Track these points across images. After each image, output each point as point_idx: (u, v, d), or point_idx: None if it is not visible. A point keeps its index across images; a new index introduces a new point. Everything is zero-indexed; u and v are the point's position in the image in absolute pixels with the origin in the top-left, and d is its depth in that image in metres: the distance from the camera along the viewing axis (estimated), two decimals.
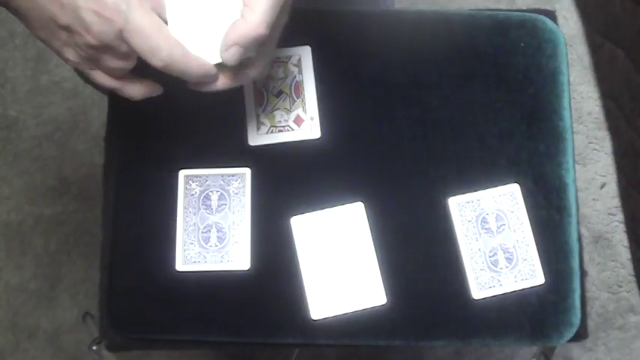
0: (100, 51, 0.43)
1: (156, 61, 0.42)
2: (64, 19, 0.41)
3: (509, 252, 0.57)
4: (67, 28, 0.42)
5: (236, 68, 0.45)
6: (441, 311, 0.57)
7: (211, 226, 0.58)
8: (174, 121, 0.60)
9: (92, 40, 0.42)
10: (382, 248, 0.57)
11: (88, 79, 0.48)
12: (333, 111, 0.60)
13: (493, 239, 0.57)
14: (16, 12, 0.44)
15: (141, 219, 0.59)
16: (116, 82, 0.47)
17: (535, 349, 0.76)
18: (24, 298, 1.19)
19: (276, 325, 0.57)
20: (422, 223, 0.59)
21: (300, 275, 0.57)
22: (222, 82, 0.46)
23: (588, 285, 1.16)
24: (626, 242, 1.18)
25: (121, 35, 0.41)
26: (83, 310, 1.16)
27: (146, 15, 0.41)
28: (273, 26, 0.43)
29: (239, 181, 0.59)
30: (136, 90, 0.48)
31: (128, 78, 0.47)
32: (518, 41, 0.62)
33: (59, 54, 0.45)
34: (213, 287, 0.57)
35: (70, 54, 0.44)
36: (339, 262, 0.57)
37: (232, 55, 0.43)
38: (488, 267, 0.57)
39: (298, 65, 0.60)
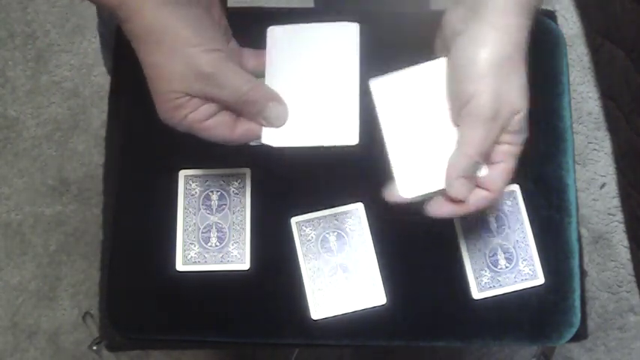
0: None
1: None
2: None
3: (509, 252, 0.57)
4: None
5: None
6: (441, 311, 0.57)
7: (211, 226, 0.58)
8: None
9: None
10: (382, 248, 0.57)
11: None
12: None
13: (493, 239, 0.57)
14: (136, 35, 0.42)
15: (141, 219, 0.58)
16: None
17: (535, 349, 0.76)
18: (24, 298, 1.19)
19: (276, 325, 0.57)
20: (422, 222, 0.58)
21: (300, 275, 0.57)
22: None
23: (588, 285, 1.16)
24: (626, 242, 1.18)
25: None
26: (83, 310, 1.16)
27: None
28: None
29: (239, 181, 0.59)
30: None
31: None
32: None
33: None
34: (213, 287, 0.57)
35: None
36: (339, 263, 0.57)
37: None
38: (488, 267, 0.57)
39: None
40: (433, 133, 0.44)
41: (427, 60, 0.45)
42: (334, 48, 0.44)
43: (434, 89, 0.44)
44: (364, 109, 0.45)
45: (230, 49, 0.44)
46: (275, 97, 0.43)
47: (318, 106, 0.44)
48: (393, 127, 0.45)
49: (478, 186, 0.44)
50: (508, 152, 0.43)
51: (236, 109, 0.43)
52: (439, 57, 0.44)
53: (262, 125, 0.44)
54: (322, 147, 0.44)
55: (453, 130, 0.43)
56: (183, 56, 0.40)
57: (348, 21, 0.44)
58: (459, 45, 0.41)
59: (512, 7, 0.40)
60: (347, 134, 0.43)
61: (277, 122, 0.44)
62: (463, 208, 0.44)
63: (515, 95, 0.41)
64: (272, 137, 0.44)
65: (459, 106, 0.42)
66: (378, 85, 0.45)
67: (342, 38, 0.44)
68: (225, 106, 0.43)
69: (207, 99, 0.42)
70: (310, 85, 0.44)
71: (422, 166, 0.44)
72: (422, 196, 0.45)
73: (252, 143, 0.46)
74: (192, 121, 0.42)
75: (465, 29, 0.41)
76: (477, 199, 0.44)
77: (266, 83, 0.44)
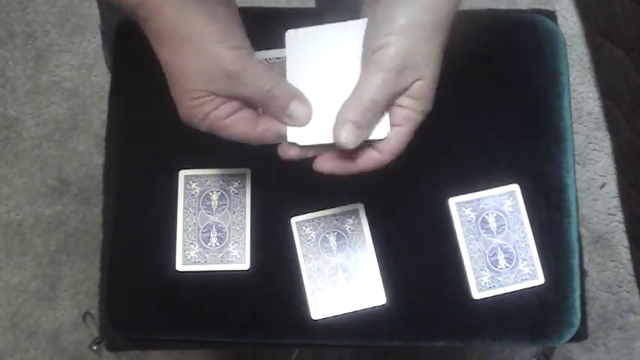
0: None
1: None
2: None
3: (509, 252, 0.57)
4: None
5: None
6: (441, 311, 0.57)
7: (211, 226, 0.58)
8: (175, 121, 0.60)
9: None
10: (382, 248, 0.57)
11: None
12: None
13: (493, 239, 0.57)
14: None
15: (141, 219, 0.58)
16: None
17: (535, 349, 0.76)
18: (24, 298, 1.19)
19: (276, 325, 0.57)
20: (422, 223, 0.59)
21: (300, 275, 0.57)
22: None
23: (588, 285, 1.16)
24: (626, 242, 1.18)
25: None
26: (83, 310, 1.16)
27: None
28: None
29: (239, 181, 0.59)
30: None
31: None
32: (518, 41, 0.62)
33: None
34: (213, 287, 0.57)
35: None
36: (339, 263, 0.57)
37: (352, 139, 0.42)
38: (488, 267, 0.57)
39: None
40: (337, 89, 0.43)
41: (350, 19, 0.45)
42: (351, 46, 0.44)
43: (347, 46, 0.44)
44: None
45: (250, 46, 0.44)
46: (299, 95, 0.43)
47: (341, 103, 0.44)
48: (298, 77, 0.44)
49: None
50: (407, 117, 0.43)
51: (260, 106, 0.43)
52: (361, 18, 0.44)
53: (286, 123, 0.43)
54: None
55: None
56: (207, 53, 0.40)
57: (355, 19, 0.44)
58: (383, 1, 0.42)
59: None
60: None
61: (301, 120, 0.43)
62: (350, 166, 0.44)
63: (422, 61, 0.41)
64: (297, 136, 0.44)
65: (367, 55, 0.42)
66: (293, 35, 0.45)
67: (356, 35, 0.44)
68: (247, 104, 0.43)
69: (231, 97, 0.42)
70: (332, 84, 0.44)
71: (318, 118, 0.44)
72: (312, 146, 0.44)
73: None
74: (214, 119, 0.42)
75: None
76: (366, 158, 0.44)
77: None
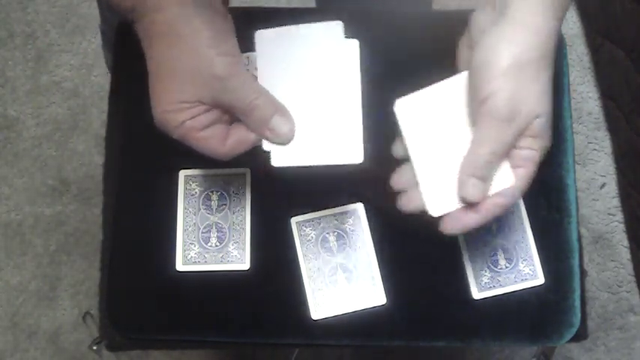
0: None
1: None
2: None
3: (509, 252, 0.57)
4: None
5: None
6: (441, 311, 0.57)
7: (211, 226, 0.58)
8: None
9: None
10: (382, 248, 0.57)
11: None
12: None
13: (493, 239, 0.57)
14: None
15: (141, 219, 0.58)
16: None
17: (535, 349, 0.76)
18: (24, 298, 1.19)
19: (276, 325, 0.57)
20: (422, 223, 0.58)
21: (300, 275, 0.57)
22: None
23: (588, 285, 1.16)
24: (626, 242, 1.18)
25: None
26: (83, 310, 1.16)
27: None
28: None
29: (239, 181, 0.59)
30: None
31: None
32: None
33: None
34: (213, 287, 0.57)
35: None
36: (339, 263, 0.57)
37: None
38: (488, 267, 0.57)
39: None
40: (458, 149, 0.43)
41: (449, 76, 0.45)
42: (331, 56, 0.43)
43: (457, 104, 0.44)
44: (365, 110, 0.46)
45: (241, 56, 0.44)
46: (284, 110, 0.43)
47: (321, 122, 0.43)
48: (419, 146, 0.45)
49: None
50: (527, 157, 0.42)
51: (242, 115, 0.43)
52: (461, 72, 0.44)
53: (266, 137, 0.43)
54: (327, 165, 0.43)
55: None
56: (199, 54, 0.40)
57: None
58: (483, 43, 0.41)
59: (541, 8, 0.40)
60: (352, 153, 0.43)
61: (282, 136, 0.43)
62: (478, 217, 0.43)
63: (534, 99, 0.41)
64: (279, 158, 0.43)
65: (477, 106, 0.42)
66: (403, 104, 0.45)
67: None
68: (228, 113, 0.43)
69: (214, 103, 0.41)
70: (309, 99, 0.43)
71: (449, 183, 0.44)
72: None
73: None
74: (189, 128, 0.42)
75: (491, 28, 0.41)
76: (492, 206, 0.43)
77: None
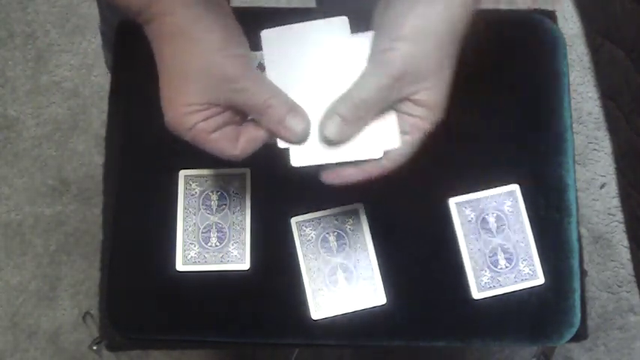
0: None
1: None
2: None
3: (509, 252, 0.57)
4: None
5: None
6: (441, 311, 0.57)
7: (211, 226, 0.58)
8: None
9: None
10: (382, 248, 0.57)
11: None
12: None
13: (493, 239, 0.57)
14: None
15: (141, 219, 0.59)
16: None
17: (535, 349, 0.76)
18: (24, 298, 1.19)
19: (276, 325, 0.57)
20: (422, 223, 0.59)
21: (300, 275, 0.57)
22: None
23: (588, 285, 1.16)
24: (626, 242, 1.18)
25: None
26: (83, 310, 1.16)
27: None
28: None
29: (239, 181, 0.59)
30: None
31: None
32: (518, 41, 0.62)
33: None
34: (213, 287, 0.57)
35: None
36: (339, 263, 0.57)
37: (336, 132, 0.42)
38: (488, 267, 0.57)
39: None
40: (325, 93, 0.42)
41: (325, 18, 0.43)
42: (340, 52, 0.43)
43: (330, 46, 0.43)
44: None
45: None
46: (298, 109, 0.42)
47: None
48: (280, 81, 0.43)
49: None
50: (415, 125, 0.42)
51: (255, 115, 0.42)
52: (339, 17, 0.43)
53: (280, 136, 0.43)
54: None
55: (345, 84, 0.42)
56: (211, 56, 0.40)
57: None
58: (394, 4, 0.41)
59: None
60: (370, 147, 0.43)
61: (297, 135, 0.43)
62: (357, 172, 0.44)
63: (431, 69, 0.40)
64: (299, 158, 0.43)
65: (372, 57, 0.41)
66: (269, 35, 0.43)
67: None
68: (239, 113, 0.42)
69: (226, 104, 0.41)
70: (322, 96, 0.43)
71: (312, 138, 0.43)
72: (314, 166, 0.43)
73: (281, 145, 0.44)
74: (200, 130, 0.42)
75: None
76: (373, 166, 0.43)
77: None
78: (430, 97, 0.41)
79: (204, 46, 0.40)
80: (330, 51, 0.43)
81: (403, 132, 0.43)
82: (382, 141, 0.42)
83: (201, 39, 0.40)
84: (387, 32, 0.41)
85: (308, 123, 0.43)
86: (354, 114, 0.41)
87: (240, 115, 0.43)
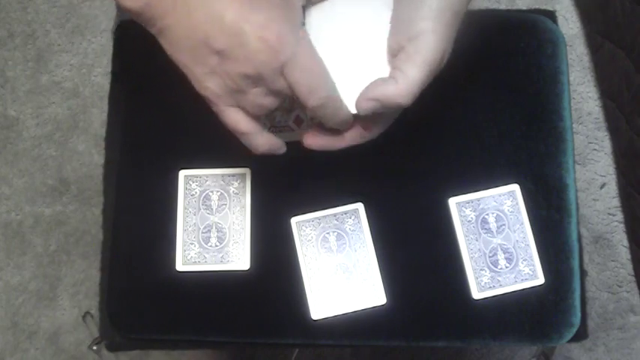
0: (252, 83, 0.39)
1: (312, 100, 0.39)
2: (221, 42, 0.37)
3: (509, 252, 0.57)
4: (220, 53, 0.37)
5: (362, 125, 0.43)
6: (441, 311, 0.57)
7: (211, 226, 0.58)
8: (175, 121, 0.60)
9: (249, 70, 0.38)
10: (382, 248, 0.57)
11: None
12: None
13: (493, 239, 0.57)
14: (160, 32, 0.39)
15: (141, 219, 0.59)
16: (251, 125, 0.42)
17: (535, 349, 0.76)
18: (24, 298, 1.19)
19: (276, 325, 0.57)
20: (422, 223, 0.59)
21: (300, 275, 0.57)
22: (349, 139, 0.44)
23: (588, 285, 1.16)
24: (626, 242, 1.18)
25: (281, 69, 0.38)
26: (83, 310, 1.16)
27: (312, 51, 0.39)
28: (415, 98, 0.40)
29: (239, 181, 0.59)
30: (264, 140, 0.43)
31: (260, 125, 0.43)
32: (518, 41, 0.62)
33: (199, 82, 0.40)
34: (213, 287, 0.57)
35: (214, 83, 0.39)
36: (339, 263, 0.57)
37: (367, 110, 0.40)
38: (488, 267, 0.57)
39: None
40: (363, 68, 0.42)
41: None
42: (374, 21, 0.43)
43: (369, 22, 0.43)
44: None
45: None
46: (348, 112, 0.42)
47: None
48: (328, 52, 0.42)
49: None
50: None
51: (305, 108, 0.41)
52: None
53: (326, 122, 0.42)
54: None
55: (382, 63, 0.42)
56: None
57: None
58: None
59: None
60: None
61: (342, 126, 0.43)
62: (339, 141, 0.44)
63: (450, 45, 0.41)
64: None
65: (406, 40, 0.40)
66: (309, 11, 0.43)
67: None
68: (281, 97, 0.41)
69: (273, 90, 0.40)
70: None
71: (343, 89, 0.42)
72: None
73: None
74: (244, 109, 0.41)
75: None
76: (353, 134, 0.44)
77: None
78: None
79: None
80: (373, 27, 0.43)
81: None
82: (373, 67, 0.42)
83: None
84: (411, 11, 0.40)
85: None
86: (394, 105, 0.41)
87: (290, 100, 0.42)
